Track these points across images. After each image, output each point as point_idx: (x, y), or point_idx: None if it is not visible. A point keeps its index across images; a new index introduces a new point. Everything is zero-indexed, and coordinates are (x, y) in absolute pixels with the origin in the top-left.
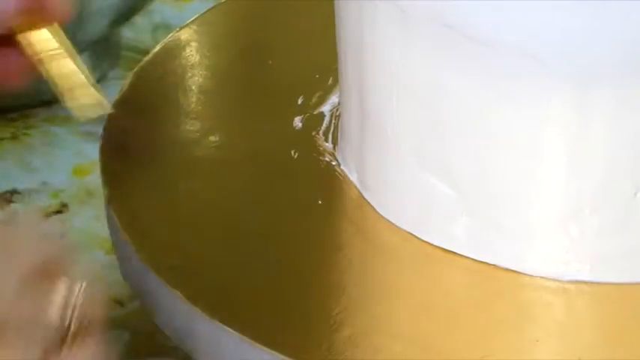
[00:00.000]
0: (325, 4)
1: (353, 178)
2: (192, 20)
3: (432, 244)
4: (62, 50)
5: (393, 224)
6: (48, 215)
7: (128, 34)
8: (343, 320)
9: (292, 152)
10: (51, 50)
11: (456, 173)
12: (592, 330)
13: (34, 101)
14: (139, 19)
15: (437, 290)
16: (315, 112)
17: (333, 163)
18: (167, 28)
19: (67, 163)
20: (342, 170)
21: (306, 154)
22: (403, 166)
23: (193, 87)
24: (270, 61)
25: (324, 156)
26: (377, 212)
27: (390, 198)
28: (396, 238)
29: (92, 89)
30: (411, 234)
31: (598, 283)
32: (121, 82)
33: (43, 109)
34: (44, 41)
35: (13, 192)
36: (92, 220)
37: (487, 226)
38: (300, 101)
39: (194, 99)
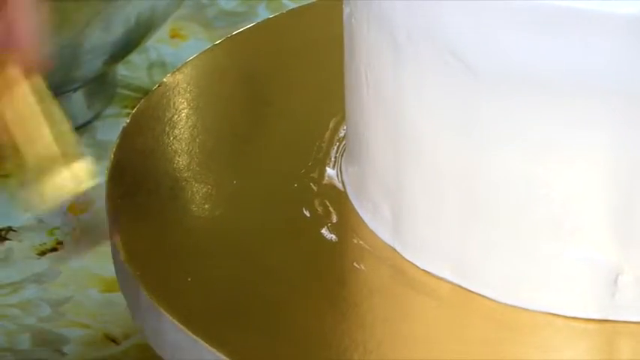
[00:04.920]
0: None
1: (441, 273)
2: (189, 61)
3: (581, 318)
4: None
5: (520, 307)
6: (43, 253)
7: (124, 71)
8: None
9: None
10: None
11: (605, 236)
12: None
13: None
14: (135, 57)
15: None
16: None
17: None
18: (163, 66)
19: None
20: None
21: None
22: (538, 248)
23: (196, 126)
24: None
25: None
26: (493, 301)
27: (516, 283)
28: (538, 320)
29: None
30: (551, 313)
31: None
32: (116, 119)
33: None
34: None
35: (9, 229)
36: (87, 258)
37: None
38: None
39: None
